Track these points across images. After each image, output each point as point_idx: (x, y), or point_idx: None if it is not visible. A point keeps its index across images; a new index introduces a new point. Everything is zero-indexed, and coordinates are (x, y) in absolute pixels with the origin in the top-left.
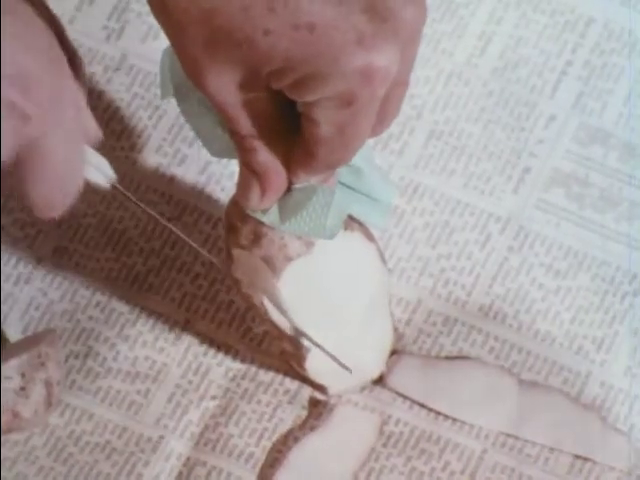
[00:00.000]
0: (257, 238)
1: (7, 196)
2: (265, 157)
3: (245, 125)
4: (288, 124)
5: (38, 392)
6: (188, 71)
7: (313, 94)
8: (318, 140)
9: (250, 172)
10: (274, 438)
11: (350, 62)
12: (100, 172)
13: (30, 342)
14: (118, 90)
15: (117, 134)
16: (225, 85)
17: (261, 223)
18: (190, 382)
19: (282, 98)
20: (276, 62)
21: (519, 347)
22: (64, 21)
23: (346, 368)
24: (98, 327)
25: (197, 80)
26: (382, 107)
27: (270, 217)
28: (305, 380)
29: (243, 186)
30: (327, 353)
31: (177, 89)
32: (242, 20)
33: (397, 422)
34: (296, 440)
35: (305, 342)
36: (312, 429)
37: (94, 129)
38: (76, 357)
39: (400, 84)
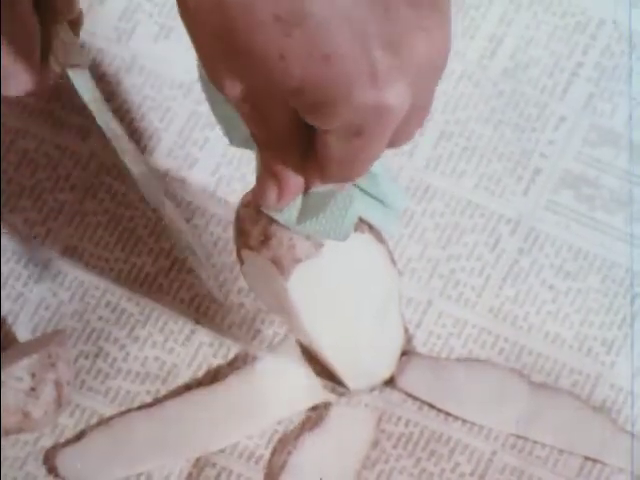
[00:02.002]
0: (266, 239)
1: (18, 196)
2: (282, 161)
3: (262, 131)
4: (305, 132)
5: (48, 392)
6: (205, 70)
7: (323, 122)
8: (330, 160)
9: (268, 173)
10: (283, 440)
11: (362, 97)
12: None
13: (40, 342)
14: (129, 92)
15: (127, 136)
16: (241, 94)
17: (270, 224)
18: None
19: None
20: (290, 86)
21: (529, 349)
22: None
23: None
24: (108, 328)
25: (213, 81)
26: (400, 128)
27: (284, 216)
28: (328, 376)
29: (261, 185)
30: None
31: (203, 76)
32: (257, 42)
33: (407, 423)
34: (297, 442)
35: (317, 342)
36: (311, 430)
37: None
38: (86, 357)
39: (420, 109)
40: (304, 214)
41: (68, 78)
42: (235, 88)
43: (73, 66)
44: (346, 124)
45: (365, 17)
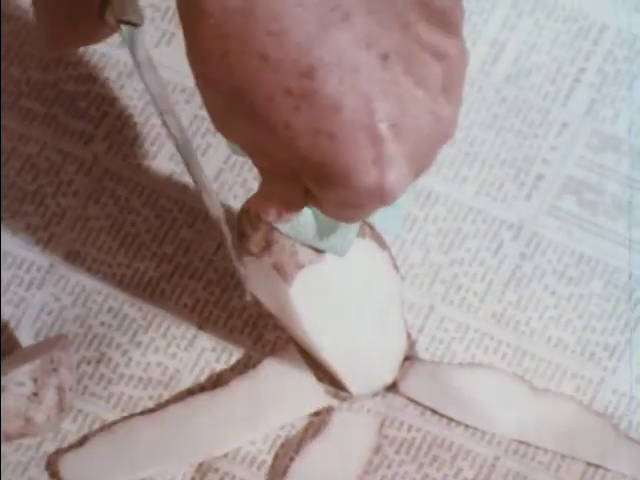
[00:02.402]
0: (268, 245)
1: (20, 201)
2: (282, 188)
3: (264, 165)
4: None
5: (50, 397)
6: (210, 118)
7: (321, 193)
8: (329, 215)
9: (268, 193)
10: (286, 445)
11: (362, 179)
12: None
13: (42, 347)
14: (131, 97)
15: (130, 141)
16: (244, 141)
17: (272, 230)
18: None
19: None
20: (291, 154)
21: (531, 354)
22: None
23: None
24: (110, 333)
25: (217, 129)
26: None
27: (285, 227)
28: (331, 381)
29: (261, 202)
30: (335, 364)
31: None
32: (266, 109)
33: (409, 428)
34: (299, 448)
35: (319, 347)
36: (314, 436)
37: None
38: (88, 363)
39: (419, 176)
40: (304, 229)
41: (121, 34)
42: (237, 136)
43: (128, 23)
44: (344, 199)
45: (374, 99)
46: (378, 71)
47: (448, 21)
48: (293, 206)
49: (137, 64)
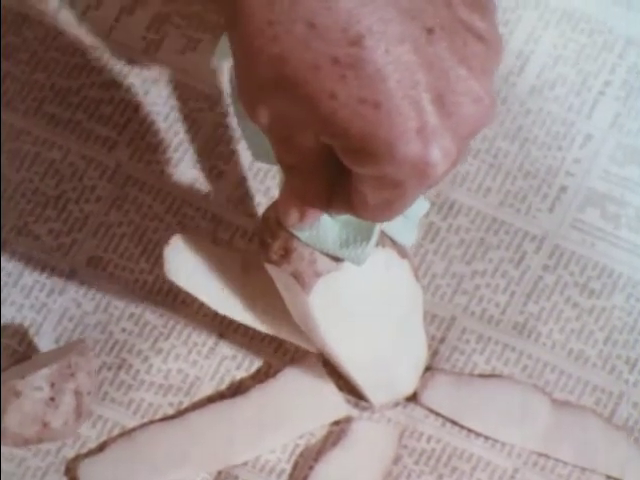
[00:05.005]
0: (287, 253)
1: (43, 206)
2: (307, 186)
3: (289, 158)
4: (333, 163)
5: (67, 402)
6: (240, 93)
7: (361, 168)
8: (362, 204)
9: (291, 194)
10: (305, 454)
11: (405, 150)
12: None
13: (61, 352)
14: (155, 103)
15: (153, 147)
16: (274, 121)
17: (291, 238)
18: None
19: None
20: (333, 126)
21: (552, 366)
22: (102, 31)
23: None
24: (131, 340)
25: (247, 107)
26: None
27: (304, 235)
28: (351, 390)
29: (283, 204)
30: (355, 373)
31: (234, 89)
32: (311, 78)
33: (429, 439)
34: (319, 457)
35: (339, 356)
36: (334, 445)
37: None
38: (109, 369)
39: (456, 163)
40: (324, 236)
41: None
42: (269, 116)
43: None
44: (385, 175)
45: (419, 71)
46: (423, 44)
47: (485, 8)
48: (315, 205)
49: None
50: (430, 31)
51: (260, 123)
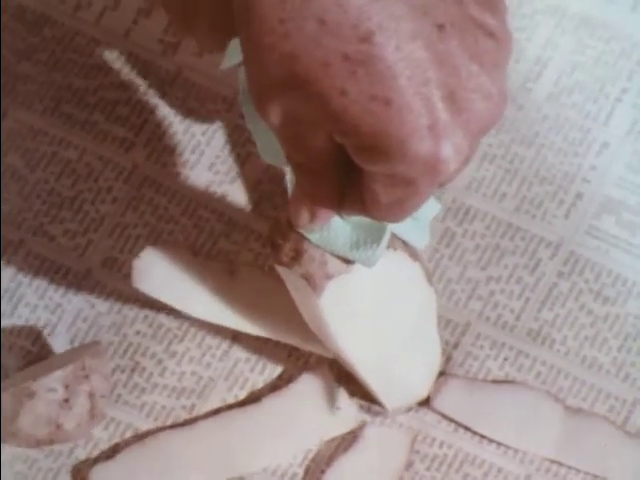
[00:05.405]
0: (298, 255)
1: (59, 207)
2: (318, 186)
3: (299, 157)
4: (344, 162)
5: (81, 404)
6: (251, 92)
7: (373, 166)
8: (373, 204)
9: (302, 194)
10: (317, 458)
11: (416, 147)
12: None
13: (75, 354)
14: (172, 104)
15: (170, 149)
16: (285, 119)
17: (302, 240)
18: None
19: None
20: (344, 124)
21: (566, 373)
22: (120, 34)
23: None
24: (145, 342)
25: (258, 106)
26: None
27: (315, 237)
28: (363, 395)
29: (294, 205)
30: (368, 378)
31: (243, 89)
32: (322, 75)
33: (441, 445)
34: (331, 462)
35: (351, 360)
36: (346, 450)
37: None
38: (122, 371)
39: (468, 160)
40: (335, 238)
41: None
42: (281, 113)
43: None
44: (397, 172)
45: (430, 68)
46: (434, 41)
47: (495, 6)
48: (327, 205)
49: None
50: (441, 28)
51: (271, 122)
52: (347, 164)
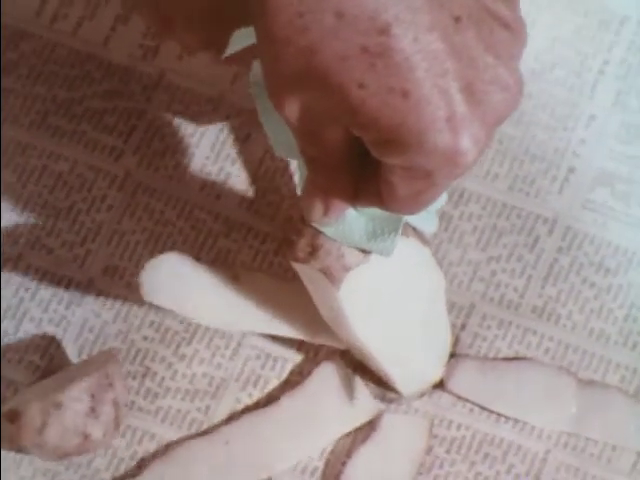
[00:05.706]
0: (314, 250)
1: (54, 218)
2: (332, 179)
3: (314, 150)
4: (359, 155)
5: (107, 413)
6: (268, 86)
7: (391, 158)
8: (390, 196)
9: (315, 188)
10: (337, 451)
11: (435, 139)
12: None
13: (93, 363)
14: (158, 109)
15: (160, 153)
16: (302, 113)
17: (317, 235)
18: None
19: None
20: (362, 117)
21: (574, 347)
22: (99, 41)
23: None
24: (154, 347)
25: (274, 99)
26: None
27: (330, 231)
28: (380, 383)
29: (307, 199)
30: (386, 365)
31: (256, 83)
32: (340, 68)
33: (459, 427)
34: (351, 453)
35: (369, 349)
36: (365, 440)
37: None
38: (134, 378)
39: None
40: (350, 231)
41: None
42: (297, 106)
43: None
44: (414, 165)
45: (447, 60)
46: (451, 32)
47: None
48: (342, 198)
49: None
50: (457, 19)
51: (287, 116)
52: (362, 157)
